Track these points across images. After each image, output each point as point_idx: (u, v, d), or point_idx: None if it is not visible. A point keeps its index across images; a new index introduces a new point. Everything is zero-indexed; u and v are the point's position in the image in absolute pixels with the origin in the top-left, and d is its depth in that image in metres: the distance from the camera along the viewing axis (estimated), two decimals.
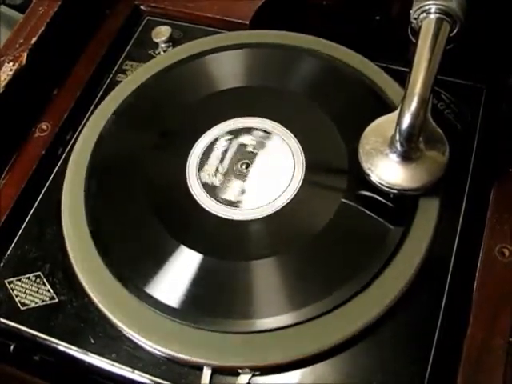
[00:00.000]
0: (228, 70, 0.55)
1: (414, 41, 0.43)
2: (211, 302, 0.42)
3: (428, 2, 0.42)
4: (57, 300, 0.46)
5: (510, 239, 0.44)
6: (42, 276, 0.47)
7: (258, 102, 0.52)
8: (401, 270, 0.42)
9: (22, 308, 0.46)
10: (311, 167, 0.48)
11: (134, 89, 0.55)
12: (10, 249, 0.49)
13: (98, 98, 0.57)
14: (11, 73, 0.53)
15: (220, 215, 0.46)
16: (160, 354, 0.42)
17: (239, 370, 0.41)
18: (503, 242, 0.44)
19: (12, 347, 0.45)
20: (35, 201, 0.51)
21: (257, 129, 0.51)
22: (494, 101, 0.52)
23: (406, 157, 0.42)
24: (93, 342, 0.44)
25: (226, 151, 0.50)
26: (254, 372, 0.41)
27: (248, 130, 0.51)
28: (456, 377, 0.40)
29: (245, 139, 0.50)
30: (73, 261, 0.46)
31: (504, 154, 0.49)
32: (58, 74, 0.58)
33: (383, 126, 0.44)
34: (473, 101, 0.52)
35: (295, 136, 0.50)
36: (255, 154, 0.49)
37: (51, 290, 0.46)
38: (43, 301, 0.46)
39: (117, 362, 0.43)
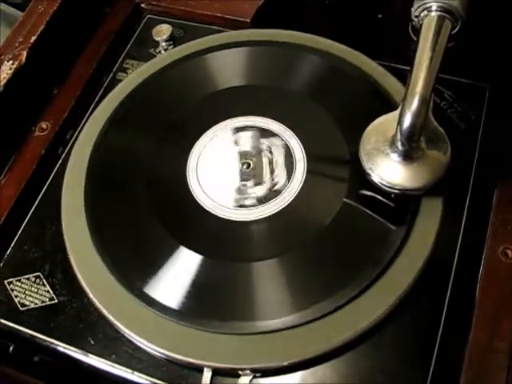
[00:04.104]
0: (229, 68, 0.55)
1: (415, 39, 0.43)
2: (211, 303, 0.42)
3: (429, 0, 0.42)
4: (56, 301, 0.46)
5: None
6: (41, 276, 0.47)
7: (259, 101, 0.52)
8: (403, 271, 0.42)
9: (21, 309, 0.46)
10: (313, 167, 0.48)
11: (134, 88, 0.54)
12: (10, 249, 0.49)
13: (98, 97, 0.57)
14: (11, 71, 0.53)
15: (220, 216, 0.46)
16: (160, 355, 0.42)
17: (240, 372, 0.41)
18: (507, 243, 0.44)
19: (11, 348, 0.45)
20: (35, 201, 0.51)
21: (257, 128, 0.50)
22: (497, 100, 0.51)
23: (407, 156, 0.42)
24: (92, 343, 0.44)
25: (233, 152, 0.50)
26: (254, 374, 0.41)
27: (249, 130, 0.50)
28: (458, 379, 0.40)
29: (246, 141, 0.50)
30: (72, 261, 0.46)
31: (507, 153, 0.48)
32: (58, 72, 0.58)
33: (384, 125, 0.44)
34: (476, 100, 0.51)
35: (296, 135, 0.49)
36: (255, 155, 0.49)
37: (51, 291, 0.46)
38: (43, 301, 0.46)
39: (116, 363, 0.43)
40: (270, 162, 0.48)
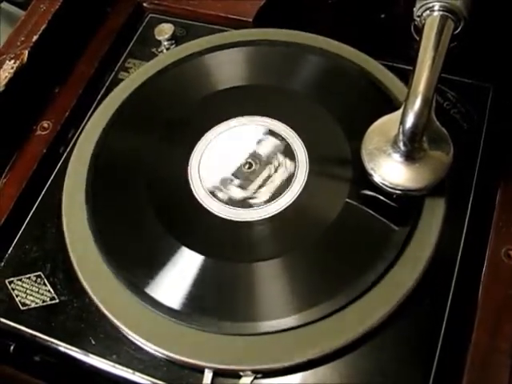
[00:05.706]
0: (231, 68, 0.55)
1: (418, 39, 0.43)
2: (213, 303, 0.42)
3: (431, 0, 0.42)
4: (57, 300, 0.45)
5: None
6: (42, 276, 0.47)
7: (260, 101, 0.52)
8: (405, 272, 0.42)
9: (22, 308, 0.46)
10: (315, 167, 0.47)
11: (136, 87, 0.54)
12: (11, 248, 0.49)
13: (100, 96, 0.57)
14: (12, 71, 0.53)
15: (222, 216, 0.46)
16: (161, 355, 0.42)
17: (241, 373, 0.41)
18: (509, 245, 0.43)
19: (12, 348, 0.45)
20: (36, 200, 0.51)
21: (259, 128, 0.50)
22: (500, 100, 0.51)
23: (410, 157, 0.42)
24: (93, 343, 0.43)
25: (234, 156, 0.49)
26: (255, 375, 0.41)
27: (250, 130, 0.50)
28: (461, 380, 0.39)
29: (249, 142, 0.50)
30: (74, 261, 0.45)
31: (511, 154, 0.48)
32: (60, 71, 0.58)
33: (386, 125, 0.44)
34: (479, 100, 0.51)
35: (298, 135, 0.49)
36: (257, 155, 0.49)
37: (52, 291, 0.46)
38: (44, 301, 0.46)
39: (117, 363, 0.42)
40: (268, 177, 0.48)
